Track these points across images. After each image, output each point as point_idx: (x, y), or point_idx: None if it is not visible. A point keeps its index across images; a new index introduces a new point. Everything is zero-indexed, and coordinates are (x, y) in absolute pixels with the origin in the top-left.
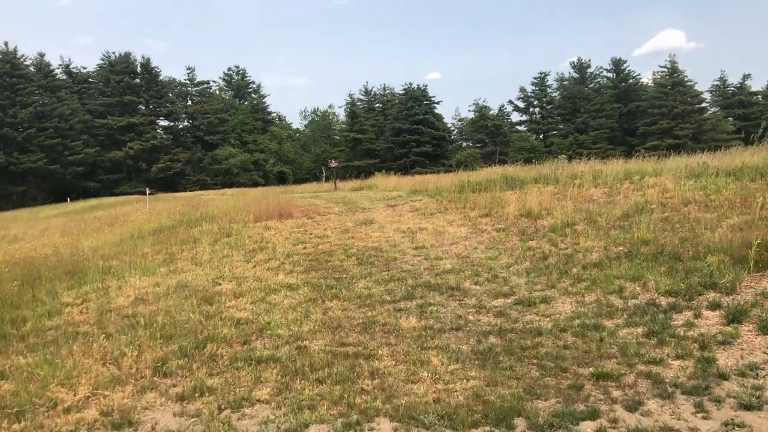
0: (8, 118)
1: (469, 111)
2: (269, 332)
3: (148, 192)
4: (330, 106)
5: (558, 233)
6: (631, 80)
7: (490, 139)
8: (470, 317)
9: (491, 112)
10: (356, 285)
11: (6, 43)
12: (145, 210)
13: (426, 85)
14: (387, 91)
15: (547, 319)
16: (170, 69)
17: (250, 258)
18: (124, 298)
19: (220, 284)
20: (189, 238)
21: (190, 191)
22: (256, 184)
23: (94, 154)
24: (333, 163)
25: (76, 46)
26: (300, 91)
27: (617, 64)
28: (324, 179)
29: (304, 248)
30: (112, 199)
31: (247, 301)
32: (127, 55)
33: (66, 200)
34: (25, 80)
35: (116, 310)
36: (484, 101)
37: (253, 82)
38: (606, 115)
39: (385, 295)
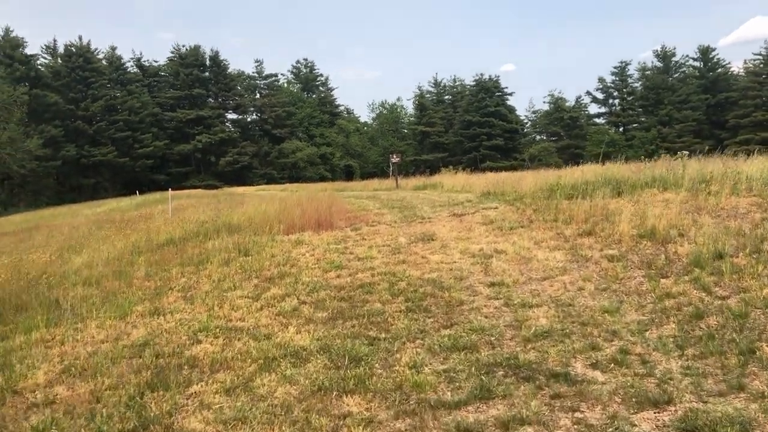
0: (80, 111)
1: (543, 103)
2: None
3: (170, 193)
4: (398, 99)
5: (707, 269)
6: (720, 69)
7: (565, 132)
8: None
9: (567, 104)
10: (399, 356)
11: (80, 37)
12: (168, 214)
13: (498, 76)
14: (457, 83)
15: None
16: (242, 63)
17: (261, 292)
18: (51, 365)
19: (201, 342)
20: (197, 256)
21: (256, 185)
22: (323, 179)
23: (163, 147)
24: (394, 158)
25: (158, 41)
26: (368, 83)
27: (705, 53)
28: (391, 174)
29: (338, 278)
30: (159, 194)
31: (222, 386)
32: (197, 48)
33: (135, 193)
34: (97, 74)
35: (25, 391)
36: (559, 93)
37: (321, 75)
38: (692, 107)
39: (443, 386)
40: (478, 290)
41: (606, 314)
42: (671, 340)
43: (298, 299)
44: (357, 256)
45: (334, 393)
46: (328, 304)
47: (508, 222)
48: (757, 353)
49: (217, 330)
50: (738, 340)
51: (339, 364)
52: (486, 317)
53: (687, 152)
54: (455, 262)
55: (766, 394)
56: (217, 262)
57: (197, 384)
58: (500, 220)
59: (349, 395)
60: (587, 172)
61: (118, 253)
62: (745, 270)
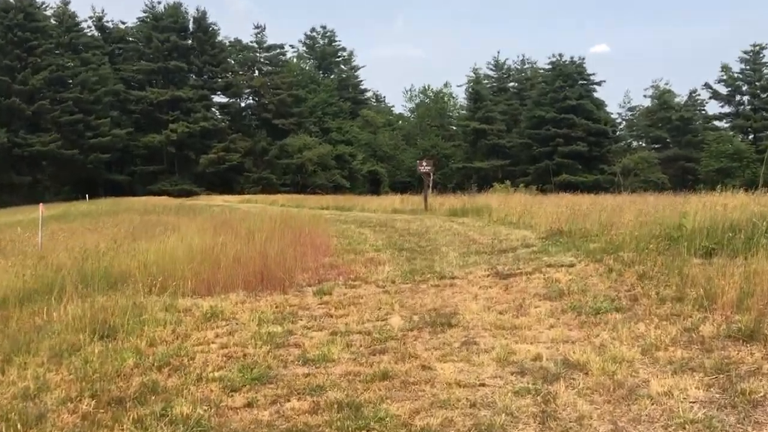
0: (16, 84)
1: (644, 97)
2: None
3: (41, 212)
4: (446, 85)
5: None
6: None
7: (672, 138)
8: None
9: (677, 100)
10: None
11: None
12: (37, 244)
13: (583, 59)
14: (526, 66)
15: None
16: (243, 33)
17: None
18: None
19: None
20: (22, 336)
21: (246, 193)
22: (338, 188)
23: (125, 137)
24: (423, 166)
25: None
26: (407, 64)
27: None
28: (427, 186)
29: (247, 407)
30: (110, 201)
31: None
32: (177, 6)
33: (85, 197)
34: (42, 35)
35: None
36: (666, 84)
37: (344, 49)
38: None
39: None
40: None
41: None
42: None
43: None
44: (304, 353)
45: None
46: None
47: (592, 297)
48: None
49: None
50: None
51: None
52: None
53: None
54: (485, 385)
55: None
56: (45, 354)
57: None
58: (578, 293)
59: None
60: (732, 206)
61: None
62: None
